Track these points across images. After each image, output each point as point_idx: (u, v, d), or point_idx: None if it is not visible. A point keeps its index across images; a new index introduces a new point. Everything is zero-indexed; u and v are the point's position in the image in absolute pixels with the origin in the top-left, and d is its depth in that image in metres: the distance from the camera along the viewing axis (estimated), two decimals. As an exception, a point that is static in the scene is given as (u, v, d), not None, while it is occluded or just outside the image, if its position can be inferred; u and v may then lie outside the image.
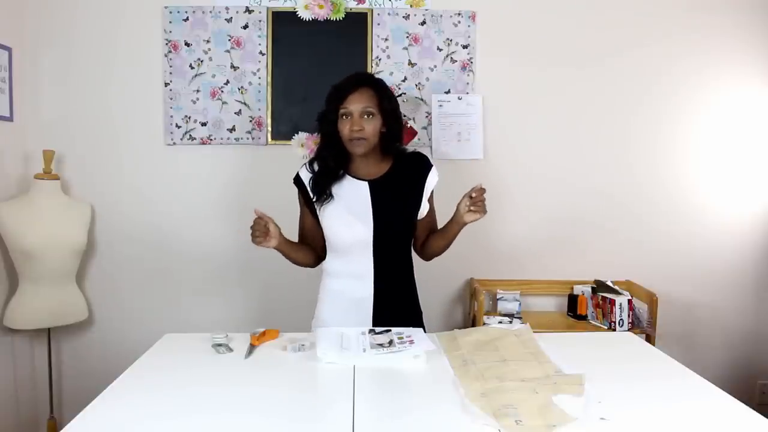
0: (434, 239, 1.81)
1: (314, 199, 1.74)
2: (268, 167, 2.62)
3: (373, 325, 1.72)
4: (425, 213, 1.79)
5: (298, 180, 1.80)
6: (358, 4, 2.59)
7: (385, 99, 1.71)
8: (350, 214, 1.71)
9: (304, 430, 1.14)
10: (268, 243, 1.71)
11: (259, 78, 2.59)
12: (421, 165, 1.78)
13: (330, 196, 1.72)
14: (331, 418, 1.18)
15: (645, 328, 2.45)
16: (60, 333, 2.59)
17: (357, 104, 1.66)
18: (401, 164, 1.77)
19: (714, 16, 2.66)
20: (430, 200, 1.81)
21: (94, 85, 2.58)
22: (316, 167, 1.77)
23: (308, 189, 1.76)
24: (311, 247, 1.84)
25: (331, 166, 1.73)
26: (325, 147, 1.75)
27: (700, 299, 2.75)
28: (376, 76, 2.52)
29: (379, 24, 2.59)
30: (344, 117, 1.68)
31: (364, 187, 1.73)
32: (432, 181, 1.77)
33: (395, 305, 1.76)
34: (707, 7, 2.65)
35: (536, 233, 2.70)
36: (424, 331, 1.73)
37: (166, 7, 2.55)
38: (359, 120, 1.66)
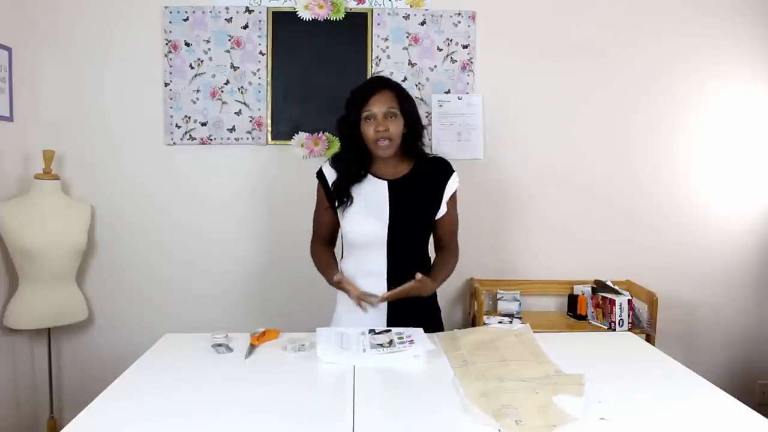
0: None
1: (336, 204, 1.77)
2: (268, 167, 2.62)
3: (389, 324, 1.73)
4: (443, 215, 1.79)
5: (321, 175, 1.81)
6: (358, 4, 2.59)
7: (405, 101, 1.75)
8: (367, 212, 1.73)
9: (304, 430, 1.14)
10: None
11: (259, 78, 2.59)
12: (442, 169, 1.80)
13: (350, 199, 1.75)
14: (331, 418, 1.18)
15: (645, 328, 2.44)
16: (60, 333, 2.59)
17: (380, 106, 1.69)
18: (422, 167, 1.79)
19: (714, 16, 2.65)
20: (450, 205, 1.80)
21: (94, 85, 2.57)
22: (337, 167, 1.79)
23: (330, 188, 1.78)
24: (329, 243, 1.88)
25: (352, 168, 1.75)
26: (347, 150, 1.77)
27: (700, 299, 2.75)
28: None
29: (379, 24, 2.59)
30: (368, 119, 1.70)
31: (383, 186, 1.75)
32: (452, 185, 1.79)
33: (411, 304, 1.75)
34: (707, 6, 2.65)
35: (536, 233, 2.69)
36: (442, 330, 1.75)
37: (166, 7, 2.55)
38: (383, 120, 1.68)
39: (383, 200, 1.73)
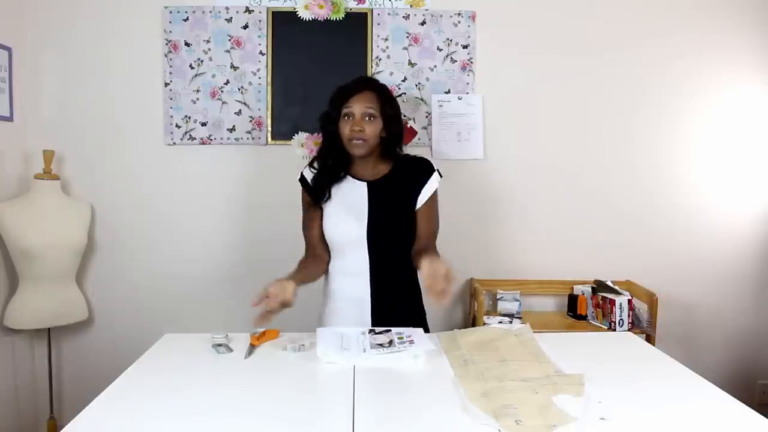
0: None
1: (313, 201, 1.77)
2: (268, 167, 2.62)
3: (373, 324, 1.74)
4: (418, 208, 1.76)
5: (303, 180, 1.82)
6: (358, 4, 2.59)
7: (387, 104, 1.74)
8: (347, 213, 1.74)
9: (304, 430, 1.14)
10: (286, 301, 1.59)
11: (259, 78, 2.59)
12: (423, 169, 1.78)
13: (329, 196, 1.75)
14: (331, 418, 1.17)
15: (645, 328, 2.45)
16: (60, 333, 2.59)
17: (359, 105, 1.69)
18: (403, 167, 1.78)
19: (715, 16, 2.66)
20: (429, 207, 1.76)
21: (94, 85, 2.58)
22: (316, 166, 1.79)
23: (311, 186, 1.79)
24: (319, 256, 1.80)
25: (330, 165, 1.75)
26: (327, 147, 1.78)
27: (700, 299, 2.75)
28: (376, 76, 2.55)
29: (379, 24, 2.59)
30: (346, 117, 1.71)
31: (362, 187, 1.75)
32: (432, 184, 1.76)
33: (395, 304, 1.77)
34: (708, 6, 2.65)
35: (536, 233, 2.69)
36: (428, 331, 1.75)
37: (166, 7, 2.55)
38: (360, 121, 1.69)
39: (362, 201, 1.73)
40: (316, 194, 1.76)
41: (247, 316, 2.63)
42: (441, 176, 1.80)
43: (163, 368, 1.43)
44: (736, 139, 2.71)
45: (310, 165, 1.81)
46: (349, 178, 1.77)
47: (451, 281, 1.41)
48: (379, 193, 1.74)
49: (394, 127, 1.76)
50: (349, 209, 1.74)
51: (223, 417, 1.17)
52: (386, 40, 2.60)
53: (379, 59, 2.60)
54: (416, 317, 1.81)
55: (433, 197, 1.78)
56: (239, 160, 2.62)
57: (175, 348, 1.59)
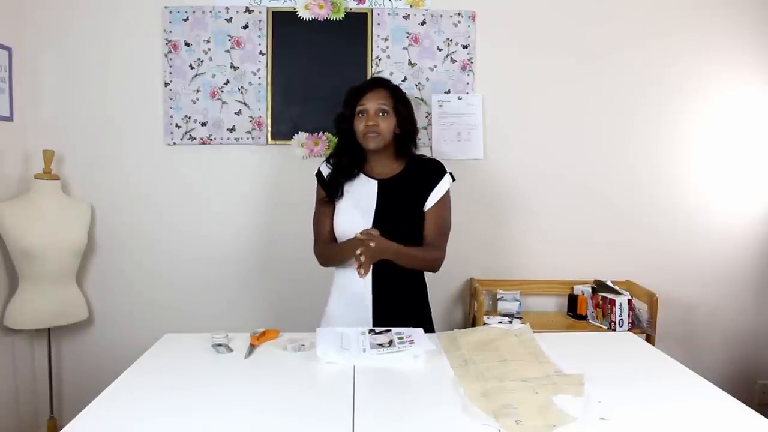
0: None
1: (327, 198, 1.81)
2: (268, 167, 2.63)
3: (374, 320, 1.75)
4: (428, 209, 1.78)
5: (319, 174, 1.86)
6: (358, 4, 2.59)
7: (400, 102, 1.79)
8: (354, 209, 1.77)
9: (303, 430, 1.14)
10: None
11: (259, 78, 2.59)
12: (434, 170, 1.81)
13: (341, 193, 1.79)
14: (331, 418, 1.18)
15: (645, 328, 2.45)
16: (60, 333, 2.59)
17: (372, 102, 1.74)
18: (415, 167, 1.81)
19: (715, 16, 2.65)
20: (439, 204, 1.78)
21: (94, 85, 2.57)
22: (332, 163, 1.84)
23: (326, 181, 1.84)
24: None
25: (344, 163, 1.80)
26: (342, 146, 1.83)
27: (700, 299, 2.75)
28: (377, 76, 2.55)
29: (379, 24, 2.59)
30: (360, 114, 1.75)
31: (373, 185, 1.79)
32: (443, 186, 1.78)
33: (397, 302, 1.77)
34: (708, 6, 2.65)
35: (536, 233, 2.69)
36: (433, 330, 1.75)
37: (166, 7, 2.55)
38: (374, 116, 1.73)
39: (371, 198, 1.77)
40: (329, 191, 1.80)
41: (247, 316, 2.65)
42: (454, 179, 1.82)
43: (163, 368, 1.44)
44: (735, 139, 2.71)
45: (327, 161, 1.86)
46: (362, 176, 1.81)
47: (365, 254, 1.57)
48: (388, 190, 1.77)
49: (408, 124, 1.80)
50: (357, 205, 1.77)
51: (223, 417, 1.17)
52: (386, 40, 2.60)
53: (379, 59, 2.60)
54: (421, 316, 1.82)
55: (444, 199, 1.80)
56: (239, 160, 2.62)
57: (175, 348, 1.59)
